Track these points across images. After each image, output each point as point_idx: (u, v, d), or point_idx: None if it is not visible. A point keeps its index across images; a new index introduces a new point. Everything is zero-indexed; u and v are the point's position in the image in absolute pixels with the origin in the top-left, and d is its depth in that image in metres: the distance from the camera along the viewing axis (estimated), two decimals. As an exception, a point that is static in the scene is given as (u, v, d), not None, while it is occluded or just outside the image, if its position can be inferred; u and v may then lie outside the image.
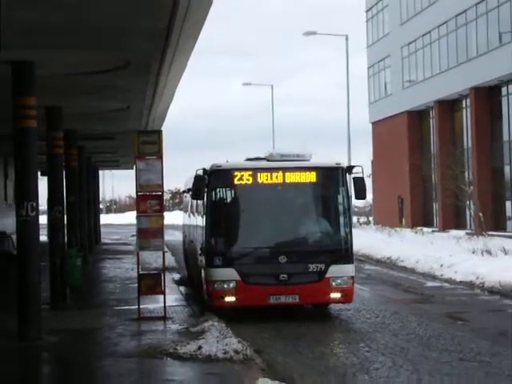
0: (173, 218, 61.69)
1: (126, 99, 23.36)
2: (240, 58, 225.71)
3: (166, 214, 20.79)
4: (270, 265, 18.58)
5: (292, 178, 18.95)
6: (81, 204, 33.06)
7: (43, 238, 18.81)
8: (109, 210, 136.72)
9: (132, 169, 20.80)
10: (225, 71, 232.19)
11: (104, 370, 14.30)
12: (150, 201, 19.63)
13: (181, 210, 38.76)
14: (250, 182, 18.85)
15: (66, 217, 25.47)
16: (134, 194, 20.18)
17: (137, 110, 26.48)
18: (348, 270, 18.85)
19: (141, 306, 19.23)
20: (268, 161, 19.69)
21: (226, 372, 13.17)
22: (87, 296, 23.93)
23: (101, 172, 60.35)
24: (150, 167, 19.54)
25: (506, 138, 47.61)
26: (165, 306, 19.16)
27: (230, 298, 18.36)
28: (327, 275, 18.50)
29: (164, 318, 18.68)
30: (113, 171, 71.08)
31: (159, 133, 20.59)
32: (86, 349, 16.08)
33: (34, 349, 15.99)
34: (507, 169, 48.01)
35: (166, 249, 21.40)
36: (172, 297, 21.70)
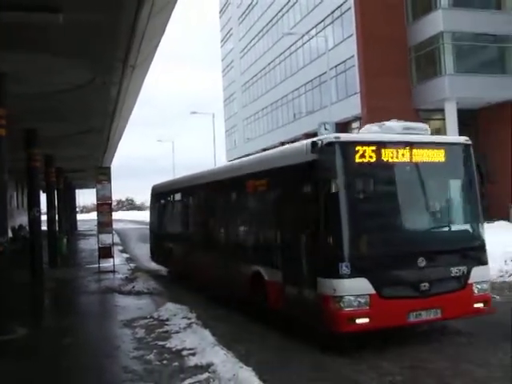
0: (117, 215, 60.35)
1: (90, 149, 23.12)
2: (155, 124, 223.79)
3: (113, 213, 20.46)
4: (408, 270, 8.24)
5: (422, 156, 8.61)
6: (65, 208, 32.40)
7: (44, 227, 18.35)
8: (81, 212, 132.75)
9: (94, 188, 20.51)
10: (147, 133, 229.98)
11: (80, 299, 14.15)
12: (104, 206, 19.44)
13: (123, 211, 37.67)
14: (386, 160, 8.33)
15: (57, 216, 24.94)
16: (95, 202, 19.86)
17: (97, 155, 26.17)
18: (487, 272, 9.02)
19: (100, 265, 18.97)
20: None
21: (148, 300, 13.14)
22: (69, 260, 23.34)
23: (77, 190, 58.57)
24: (103, 187, 19.32)
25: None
26: (114, 265, 18.95)
27: (362, 320, 7.88)
28: (470, 280, 8.68)
29: (113, 272, 18.42)
30: (84, 189, 69.28)
31: (109, 168, 20.56)
32: (70, 288, 15.86)
33: (40, 289, 15.74)
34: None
35: (113, 232, 21.07)
36: (118, 259, 21.31)
